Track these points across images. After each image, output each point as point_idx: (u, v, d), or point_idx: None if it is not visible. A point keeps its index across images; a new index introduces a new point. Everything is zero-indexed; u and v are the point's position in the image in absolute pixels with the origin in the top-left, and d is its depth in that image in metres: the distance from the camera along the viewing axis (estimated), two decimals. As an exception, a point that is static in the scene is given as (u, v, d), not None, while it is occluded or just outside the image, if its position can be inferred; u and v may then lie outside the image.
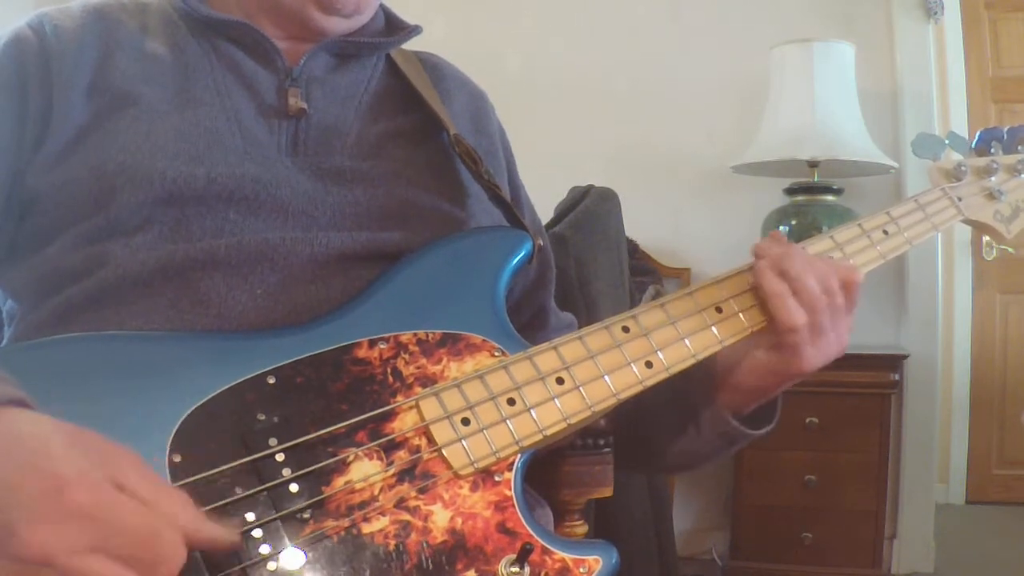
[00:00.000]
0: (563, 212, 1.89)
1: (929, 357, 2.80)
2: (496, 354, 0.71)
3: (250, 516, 0.59)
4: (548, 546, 0.65)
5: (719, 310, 0.78)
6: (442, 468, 0.65)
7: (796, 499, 2.57)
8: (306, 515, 0.60)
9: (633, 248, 2.78)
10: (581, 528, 0.93)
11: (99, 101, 0.77)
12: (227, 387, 0.63)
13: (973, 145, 0.95)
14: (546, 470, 0.87)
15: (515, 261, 0.78)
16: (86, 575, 0.47)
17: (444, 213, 0.83)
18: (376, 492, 0.63)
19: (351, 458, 0.63)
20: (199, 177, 0.74)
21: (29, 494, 0.47)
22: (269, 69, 0.83)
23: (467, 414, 0.67)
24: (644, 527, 1.93)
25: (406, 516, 0.63)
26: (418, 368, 0.69)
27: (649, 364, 0.74)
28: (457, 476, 0.65)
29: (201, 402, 0.62)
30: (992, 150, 0.94)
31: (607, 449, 0.89)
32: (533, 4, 3.13)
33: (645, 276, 2.73)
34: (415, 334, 0.70)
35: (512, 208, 0.85)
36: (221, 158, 0.76)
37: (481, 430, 0.67)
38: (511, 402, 0.69)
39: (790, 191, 2.71)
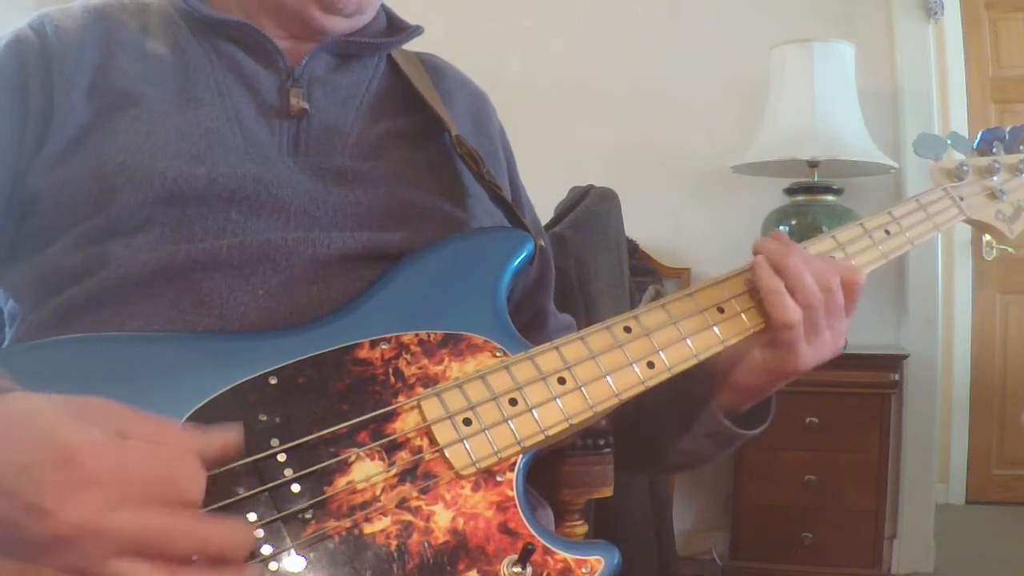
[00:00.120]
0: (563, 212, 1.89)
1: (929, 357, 2.81)
2: (498, 354, 0.71)
3: (252, 516, 0.59)
4: (550, 546, 0.65)
5: (721, 310, 0.78)
6: (444, 468, 0.65)
7: (796, 499, 2.57)
8: (308, 515, 0.60)
9: (633, 248, 2.78)
10: (581, 528, 0.93)
11: (100, 101, 0.77)
12: (229, 388, 0.63)
13: (975, 145, 0.95)
14: (546, 470, 0.87)
15: (517, 262, 0.78)
16: (123, 531, 0.47)
17: (445, 213, 0.83)
18: (378, 492, 0.63)
19: (353, 458, 0.63)
20: (200, 177, 0.74)
21: (44, 470, 0.47)
22: (270, 69, 0.83)
23: (469, 414, 0.67)
24: (644, 527, 1.93)
25: (408, 516, 0.63)
26: (420, 368, 0.69)
27: (651, 364, 0.74)
28: (459, 476, 0.65)
29: (203, 403, 0.62)
30: (994, 150, 0.94)
31: (607, 449, 0.89)
32: (533, 4, 3.13)
33: (645, 276, 2.73)
34: (417, 334, 0.70)
35: (513, 209, 0.85)
36: (222, 158, 0.76)
37: (483, 430, 0.67)
38: (513, 402, 0.68)
39: (790, 191, 2.71)
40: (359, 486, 0.62)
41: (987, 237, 0.97)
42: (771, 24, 2.87)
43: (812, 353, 0.77)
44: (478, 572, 0.62)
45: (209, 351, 0.66)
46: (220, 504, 0.58)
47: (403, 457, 0.64)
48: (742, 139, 2.78)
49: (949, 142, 0.94)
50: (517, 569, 0.63)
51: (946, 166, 0.93)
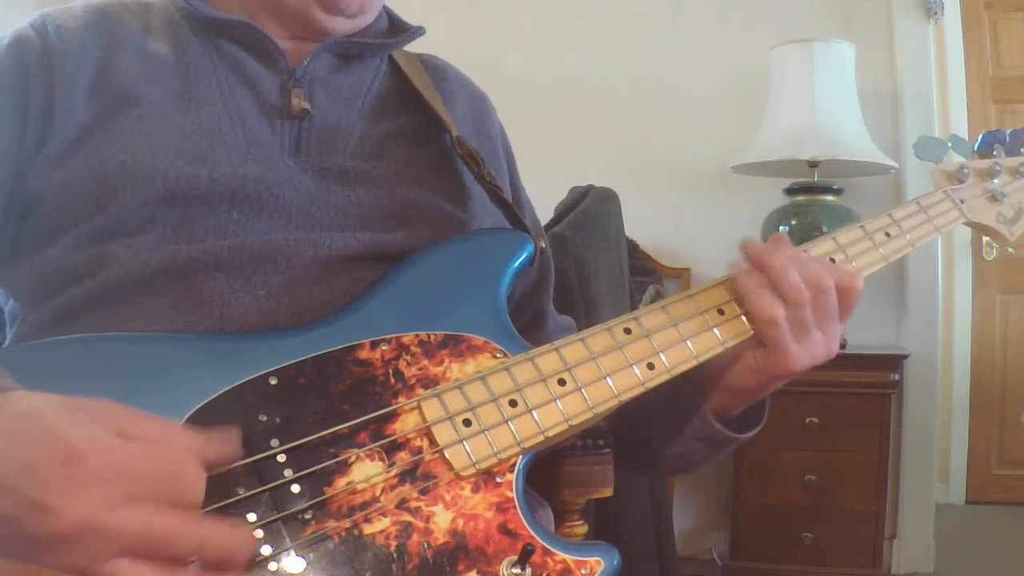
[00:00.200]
0: (563, 212, 1.89)
1: (929, 357, 2.81)
2: (498, 355, 0.71)
3: (252, 517, 0.59)
4: (550, 547, 0.65)
5: (721, 312, 0.78)
6: (444, 469, 0.65)
7: (796, 499, 2.57)
8: (308, 516, 0.60)
9: (633, 248, 2.78)
10: (581, 528, 0.93)
11: (101, 101, 0.77)
12: (229, 388, 0.63)
13: (976, 148, 0.95)
14: (546, 470, 0.87)
15: (517, 263, 0.78)
16: (125, 530, 0.48)
17: (446, 214, 0.83)
18: (378, 493, 0.63)
19: (353, 459, 0.63)
20: (201, 177, 0.74)
21: (47, 468, 0.47)
22: (272, 69, 0.83)
23: (469, 415, 0.67)
24: (644, 527, 1.93)
25: (407, 517, 0.63)
26: (420, 369, 0.69)
27: (651, 366, 0.74)
28: (459, 477, 0.65)
29: (203, 403, 0.62)
30: (995, 152, 0.94)
31: (607, 449, 0.90)
32: (533, 4, 3.13)
33: (645, 276, 2.73)
34: (417, 335, 0.70)
35: (514, 209, 0.85)
36: (224, 158, 0.76)
37: (483, 431, 0.67)
38: (513, 403, 0.69)
39: (790, 191, 2.71)
40: (359, 487, 0.62)
41: (987, 238, 0.97)
42: (771, 24, 2.87)
43: (803, 353, 0.75)
44: (478, 573, 0.62)
45: (209, 351, 0.66)
46: (220, 504, 0.58)
47: (403, 458, 0.64)
48: (742, 139, 2.78)
49: (950, 145, 0.94)
50: (517, 570, 0.63)
51: (947, 168, 0.93)
